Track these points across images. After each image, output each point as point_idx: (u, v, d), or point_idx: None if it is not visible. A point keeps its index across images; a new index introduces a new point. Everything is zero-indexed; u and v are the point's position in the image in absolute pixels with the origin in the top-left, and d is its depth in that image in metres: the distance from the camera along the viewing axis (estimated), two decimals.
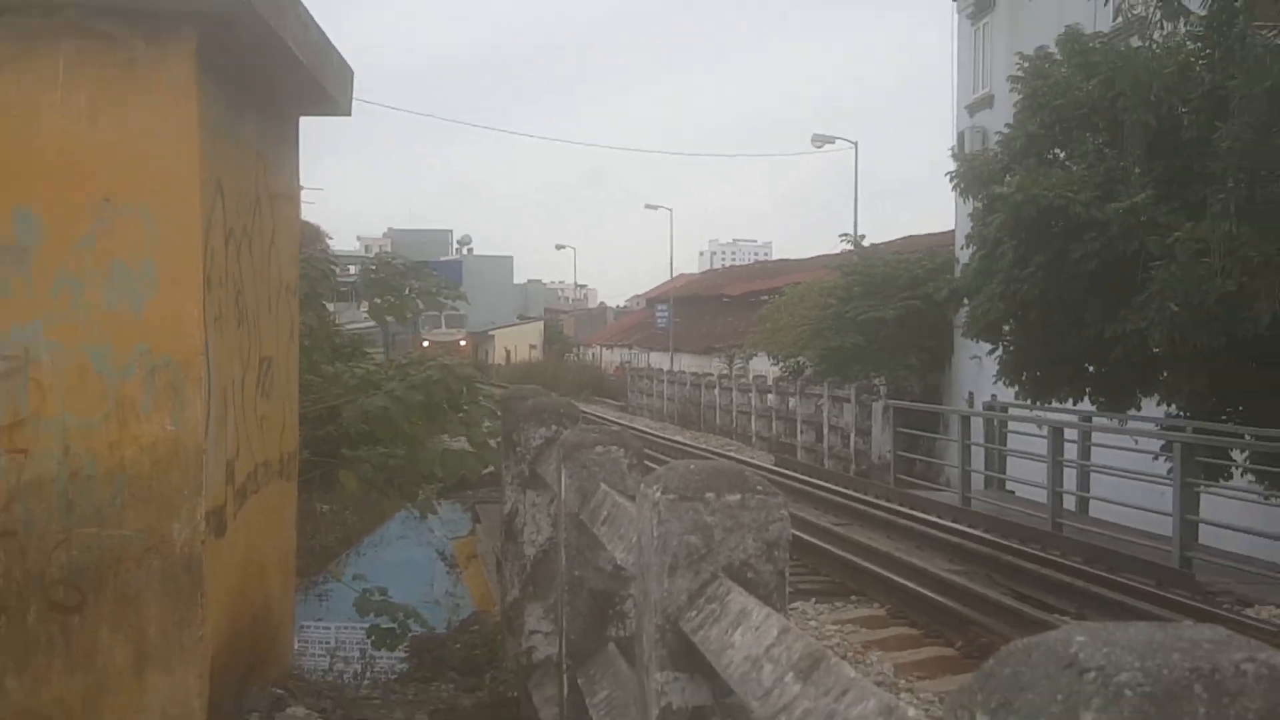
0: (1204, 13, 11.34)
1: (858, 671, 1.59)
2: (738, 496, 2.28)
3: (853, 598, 10.59)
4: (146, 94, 4.16)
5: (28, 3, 4.09)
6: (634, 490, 3.01)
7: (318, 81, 5.28)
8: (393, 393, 7.99)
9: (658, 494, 2.32)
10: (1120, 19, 12.92)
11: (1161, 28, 12.37)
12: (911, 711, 1.39)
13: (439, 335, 51.67)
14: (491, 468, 8.77)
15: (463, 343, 55.64)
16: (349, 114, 6.11)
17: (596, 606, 3.63)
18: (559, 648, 3.95)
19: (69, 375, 4.18)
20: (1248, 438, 13.07)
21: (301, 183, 6.37)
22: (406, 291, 9.94)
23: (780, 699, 1.67)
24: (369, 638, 7.40)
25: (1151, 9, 12.02)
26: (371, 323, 11.59)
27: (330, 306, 11.24)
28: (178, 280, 4.19)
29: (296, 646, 6.54)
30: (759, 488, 2.31)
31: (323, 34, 5.23)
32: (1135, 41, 13.17)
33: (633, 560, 2.71)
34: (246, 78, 4.87)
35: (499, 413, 6.79)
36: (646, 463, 3.64)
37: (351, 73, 5.94)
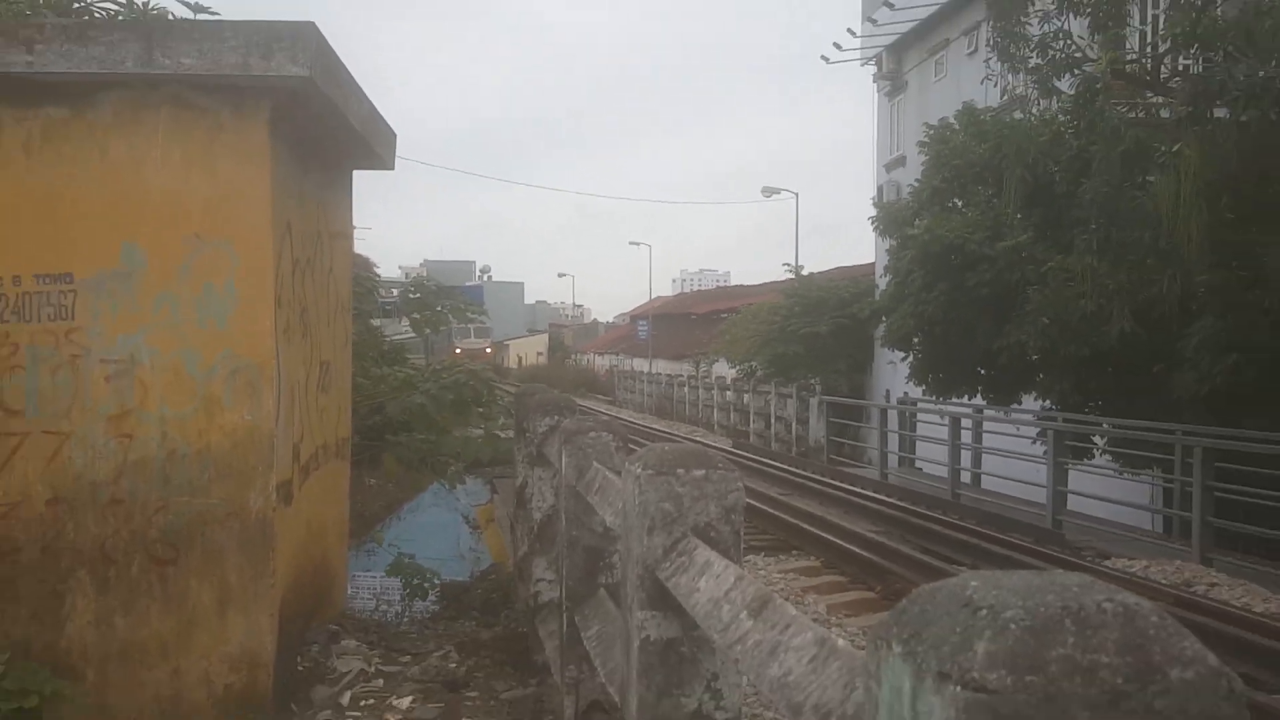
0: (1072, 92, 11.44)
1: (798, 610, 1.58)
2: (702, 472, 2.28)
3: (793, 552, 10.57)
4: (230, 152, 4.15)
5: (135, 79, 4.07)
6: (620, 467, 3.00)
7: (368, 143, 5.26)
8: (429, 392, 8.00)
9: (639, 470, 2.31)
10: (1006, 97, 13.01)
11: (1038, 104, 12.48)
12: (840, 642, 1.38)
13: (469, 343, 51.33)
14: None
15: (488, 350, 55.38)
16: (393, 168, 6.09)
17: (590, 560, 3.62)
18: (560, 593, 3.94)
19: (166, 375, 4.16)
20: (1106, 426, 13.15)
21: (354, 223, 6.34)
22: (439, 308, 10.00)
23: (736, 632, 1.66)
24: (404, 589, 7.37)
25: (1029, 89, 12.11)
26: (413, 333, 11.60)
27: (376, 321, 11.21)
28: (254, 300, 4.18)
29: (349, 592, 6.49)
30: (719, 465, 2.30)
31: (372, 105, 5.21)
32: (1018, 114, 13.27)
33: (619, 523, 2.70)
34: (310, 140, 4.84)
35: (512, 412, 6.76)
36: (630, 445, 3.63)
37: (395, 135, 5.91)
